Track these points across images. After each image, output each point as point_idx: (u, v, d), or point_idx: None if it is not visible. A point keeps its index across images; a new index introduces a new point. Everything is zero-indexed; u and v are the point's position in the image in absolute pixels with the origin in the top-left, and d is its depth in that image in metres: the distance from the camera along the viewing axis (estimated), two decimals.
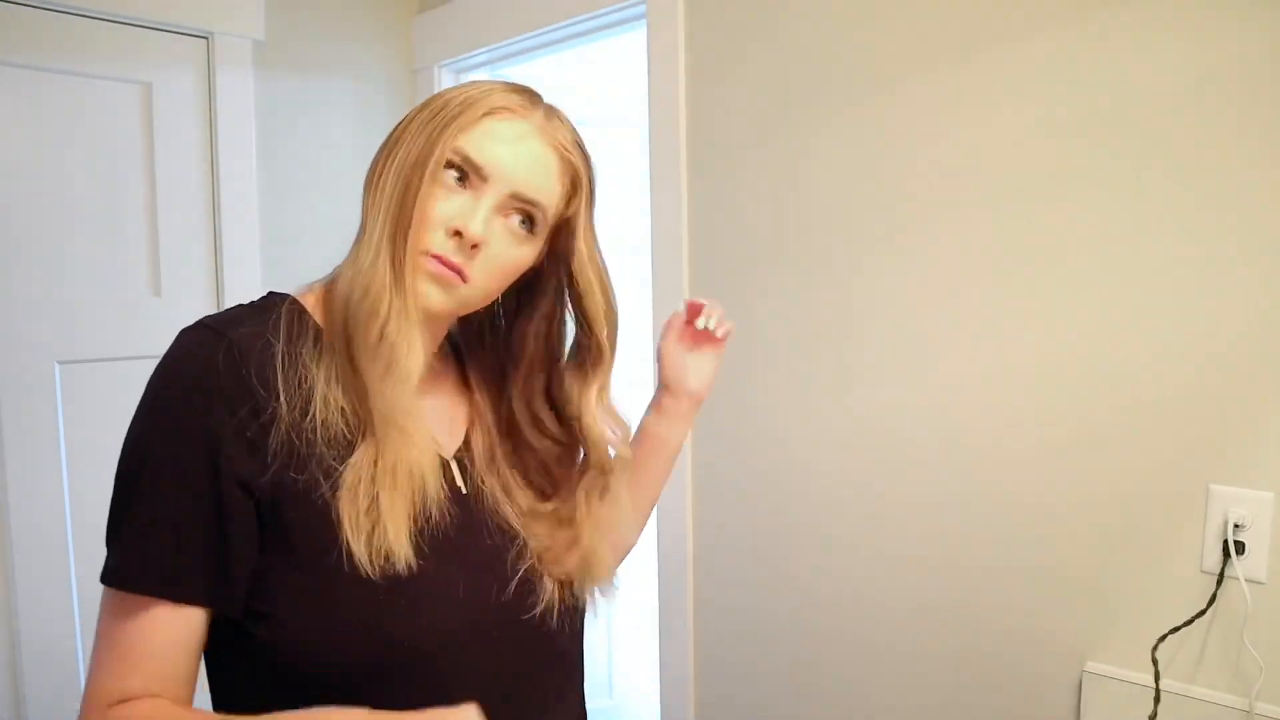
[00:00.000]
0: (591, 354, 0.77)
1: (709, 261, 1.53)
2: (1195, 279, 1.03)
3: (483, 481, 0.76)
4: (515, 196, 0.69)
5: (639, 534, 0.94)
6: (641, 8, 1.60)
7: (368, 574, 0.63)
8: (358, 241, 0.69)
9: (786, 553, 1.45)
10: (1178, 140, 1.03)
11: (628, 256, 1.81)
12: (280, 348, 0.66)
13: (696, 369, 0.92)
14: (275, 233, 1.88)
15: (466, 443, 0.78)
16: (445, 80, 2.05)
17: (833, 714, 1.41)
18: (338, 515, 0.63)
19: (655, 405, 0.93)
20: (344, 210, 2.30)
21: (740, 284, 1.48)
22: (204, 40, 1.76)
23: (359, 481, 0.64)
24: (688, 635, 1.60)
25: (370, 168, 0.70)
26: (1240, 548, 1.00)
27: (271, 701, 0.62)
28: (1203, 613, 1.03)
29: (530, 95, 0.72)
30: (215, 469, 0.61)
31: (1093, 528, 1.12)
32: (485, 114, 0.68)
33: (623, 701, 2.32)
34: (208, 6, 1.74)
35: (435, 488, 0.68)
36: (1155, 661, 1.05)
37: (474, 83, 0.72)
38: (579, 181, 0.73)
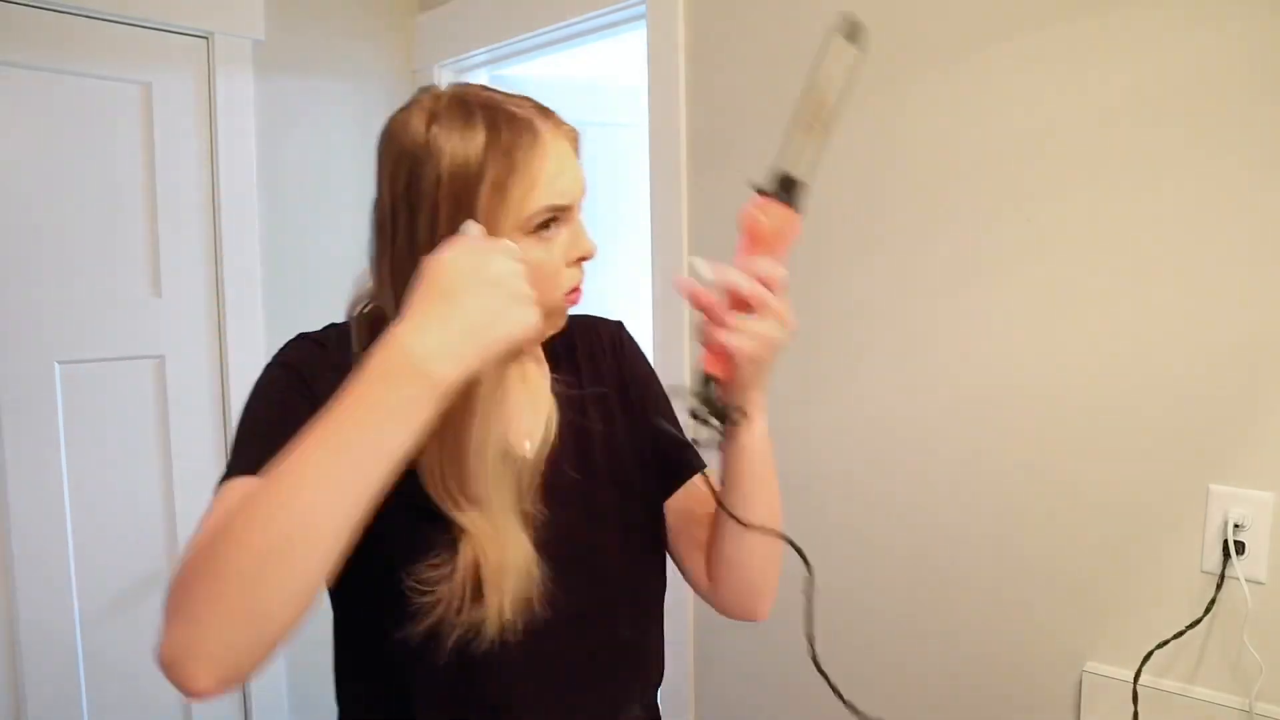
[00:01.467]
0: None
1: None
2: (1196, 279, 1.03)
3: (566, 469, 0.78)
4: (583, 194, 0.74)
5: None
6: (641, 8, 1.60)
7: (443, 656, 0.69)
8: None
9: (785, 551, 1.45)
10: (1179, 141, 1.03)
11: (627, 256, 1.81)
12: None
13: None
14: (275, 233, 1.88)
15: (561, 426, 0.79)
16: (445, 79, 2.05)
17: (832, 712, 1.41)
18: (426, 608, 0.68)
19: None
20: (344, 210, 2.30)
21: None
22: (204, 40, 1.76)
23: (451, 581, 0.68)
24: (687, 633, 1.60)
25: (402, 261, 0.67)
26: (1240, 548, 1.00)
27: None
28: (1197, 622, 1.03)
29: (531, 104, 0.71)
30: (306, 395, 0.67)
31: (1093, 527, 1.12)
32: (539, 158, 0.67)
33: None
34: (208, 6, 1.74)
35: (535, 575, 0.71)
36: (1139, 672, 1.06)
37: (469, 119, 0.67)
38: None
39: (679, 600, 1.60)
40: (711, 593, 0.84)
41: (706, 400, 0.70)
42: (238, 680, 0.56)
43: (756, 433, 0.73)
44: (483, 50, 1.93)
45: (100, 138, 1.66)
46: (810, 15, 1.36)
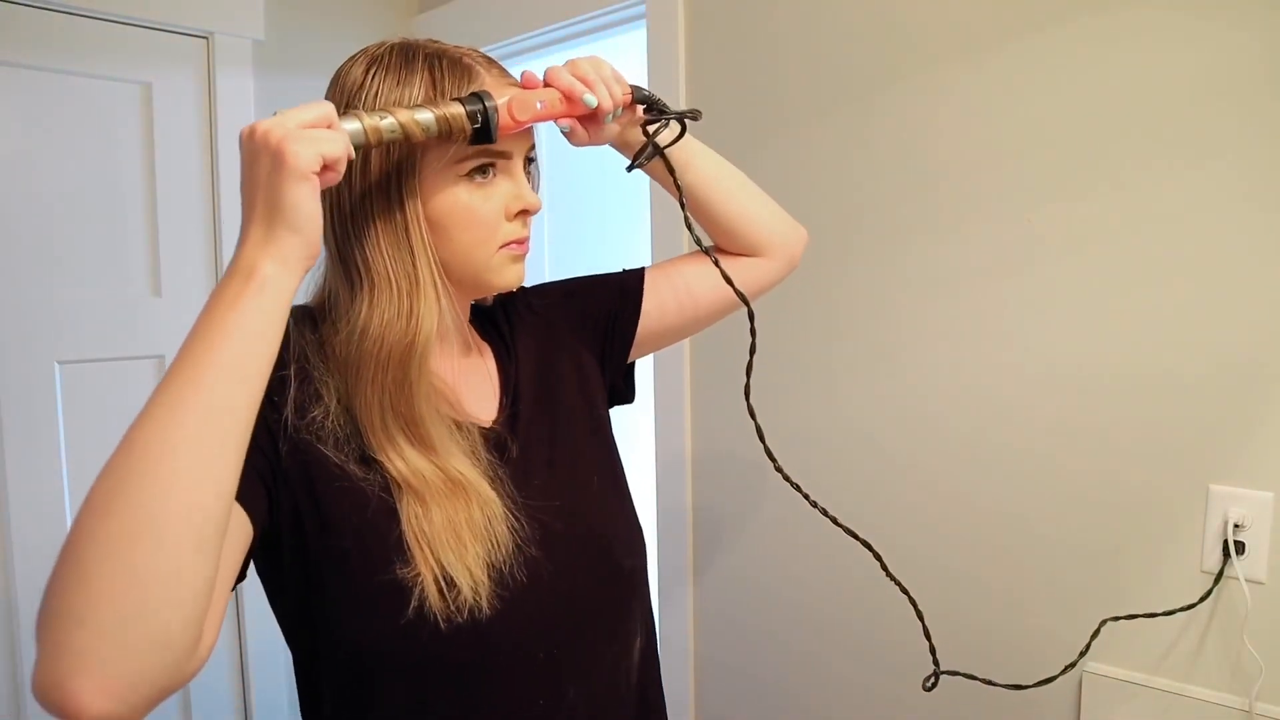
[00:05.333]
0: None
1: None
2: (1196, 279, 1.03)
3: (531, 430, 0.76)
4: (531, 148, 0.73)
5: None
6: (641, 8, 1.60)
7: (445, 623, 0.64)
8: (374, 286, 0.66)
9: (786, 552, 1.45)
10: (1180, 140, 1.03)
11: (626, 255, 1.81)
12: (295, 334, 0.68)
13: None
14: None
15: (510, 399, 0.78)
16: None
17: (833, 712, 1.41)
18: (403, 578, 0.64)
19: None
20: None
21: None
22: (204, 40, 1.76)
23: (418, 542, 0.64)
24: (687, 638, 1.60)
25: (343, 211, 0.66)
26: (1240, 548, 1.00)
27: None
28: (1190, 607, 1.03)
29: (479, 55, 0.73)
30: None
31: (1092, 527, 1.12)
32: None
33: None
34: (208, 6, 1.74)
35: (506, 533, 0.68)
36: (1095, 634, 1.08)
37: (402, 67, 0.68)
38: None
39: (679, 604, 1.60)
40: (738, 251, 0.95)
41: (651, 101, 0.77)
42: (140, 696, 0.48)
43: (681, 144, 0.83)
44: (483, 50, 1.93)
45: (100, 138, 1.66)
46: (810, 15, 1.36)
